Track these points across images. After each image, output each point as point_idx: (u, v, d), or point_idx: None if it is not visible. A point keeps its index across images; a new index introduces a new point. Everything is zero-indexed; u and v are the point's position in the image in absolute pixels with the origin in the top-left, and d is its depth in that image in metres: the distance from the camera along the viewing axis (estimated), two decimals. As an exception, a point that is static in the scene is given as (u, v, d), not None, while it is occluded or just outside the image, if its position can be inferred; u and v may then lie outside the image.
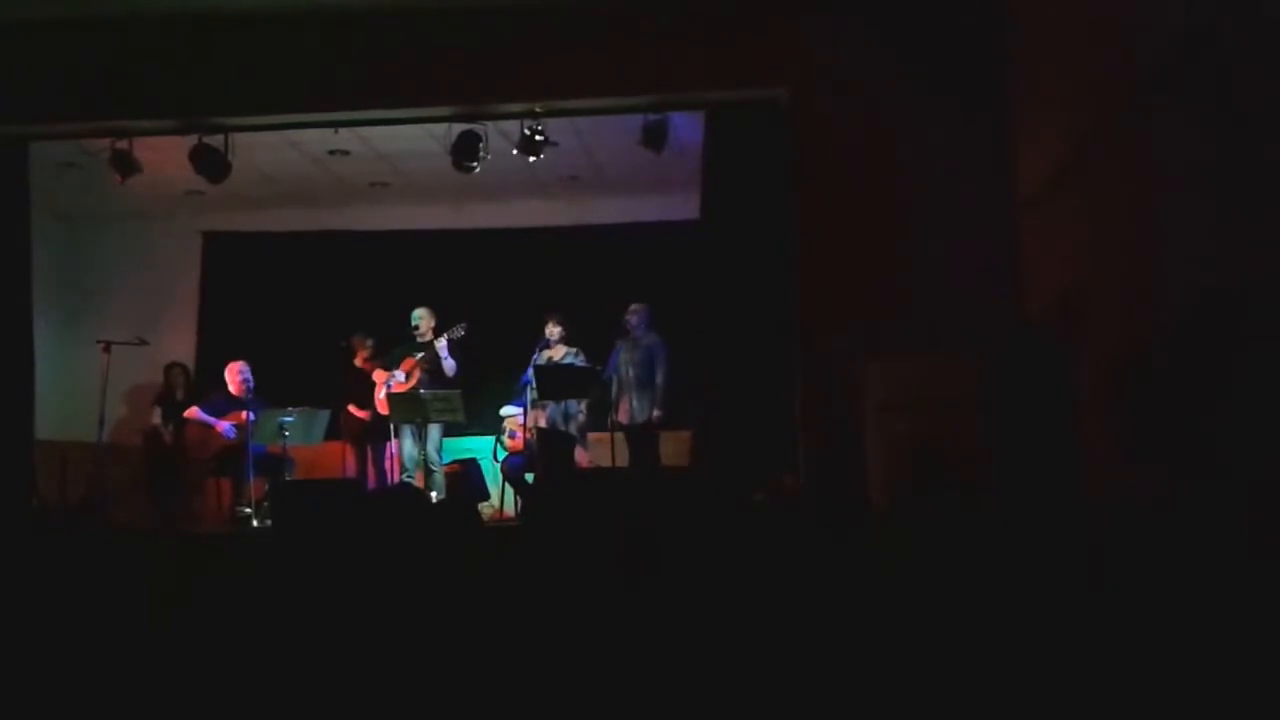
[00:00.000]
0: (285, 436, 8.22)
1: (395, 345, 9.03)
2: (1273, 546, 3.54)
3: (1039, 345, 5.98)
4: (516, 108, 7.77)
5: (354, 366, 9.21)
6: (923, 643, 3.52)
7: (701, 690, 3.36)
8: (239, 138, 8.15)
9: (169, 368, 9.56)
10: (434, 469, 8.75)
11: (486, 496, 9.05)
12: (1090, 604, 3.78)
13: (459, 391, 8.45)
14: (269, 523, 7.62)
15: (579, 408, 8.74)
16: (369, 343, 9.21)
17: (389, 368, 8.88)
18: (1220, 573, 3.77)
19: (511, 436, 9.02)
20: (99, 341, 8.60)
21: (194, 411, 8.69)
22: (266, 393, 8.71)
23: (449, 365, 8.62)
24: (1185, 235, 4.52)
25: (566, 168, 9.64)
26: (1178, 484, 4.45)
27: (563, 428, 8.67)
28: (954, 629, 3.61)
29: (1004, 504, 5.12)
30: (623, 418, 8.62)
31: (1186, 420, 4.41)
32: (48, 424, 8.62)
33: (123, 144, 8.01)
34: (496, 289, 10.19)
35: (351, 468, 9.08)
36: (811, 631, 3.72)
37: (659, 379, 8.57)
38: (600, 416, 8.77)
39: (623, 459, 8.60)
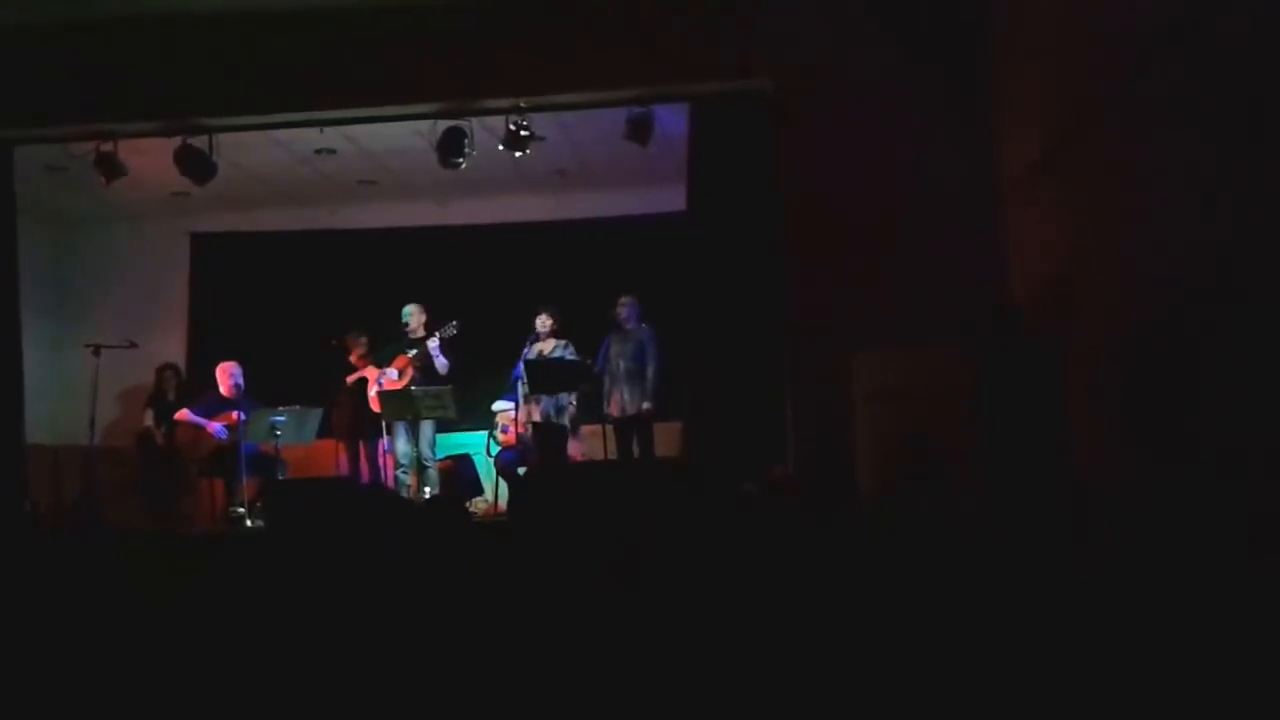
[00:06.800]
0: (277, 436, 8.23)
1: (385, 343, 9.04)
2: (1267, 537, 3.57)
3: (1027, 334, 6.01)
4: (501, 103, 7.77)
5: (348, 364, 9.21)
6: (913, 633, 3.55)
7: (694, 684, 3.38)
8: (225, 138, 8.15)
9: (161, 369, 9.56)
10: (427, 465, 8.77)
11: (481, 491, 9.08)
12: (1080, 592, 3.81)
13: (450, 388, 8.47)
14: (262, 522, 7.64)
15: (570, 400, 8.76)
16: (363, 340, 9.21)
17: (380, 365, 8.89)
18: (1211, 561, 3.80)
19: (504, 431, 9.04)
20: (88, 344, 8.59)
21: (184, 414, 8.70)
22: (258, 393, 8.72)
23: (441, 364, 8.63)
24: (1170, 224, 4.55)
25: (553, 162, 9.65)
26: (1167, 472, 4.48)
27: (556, 421, 8.70)
28: (944, 619, 3.64)
29: (994, 493, 5.14)
30: (614, 410, 8.63)
31: (1175, 408, 4.44)
32: (38, 427, 8.63)
33: (108, 146, 7.99)
34: (485, 284, 10.21)
35: (344, 466, 9.10)
36: (802, 623, 3.75)
37: (650, 371, 8.58)
38: (592, 409, 8.79)
39: (615, 452, 8.63)
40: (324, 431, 8.79)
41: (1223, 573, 3.64)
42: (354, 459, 9.07)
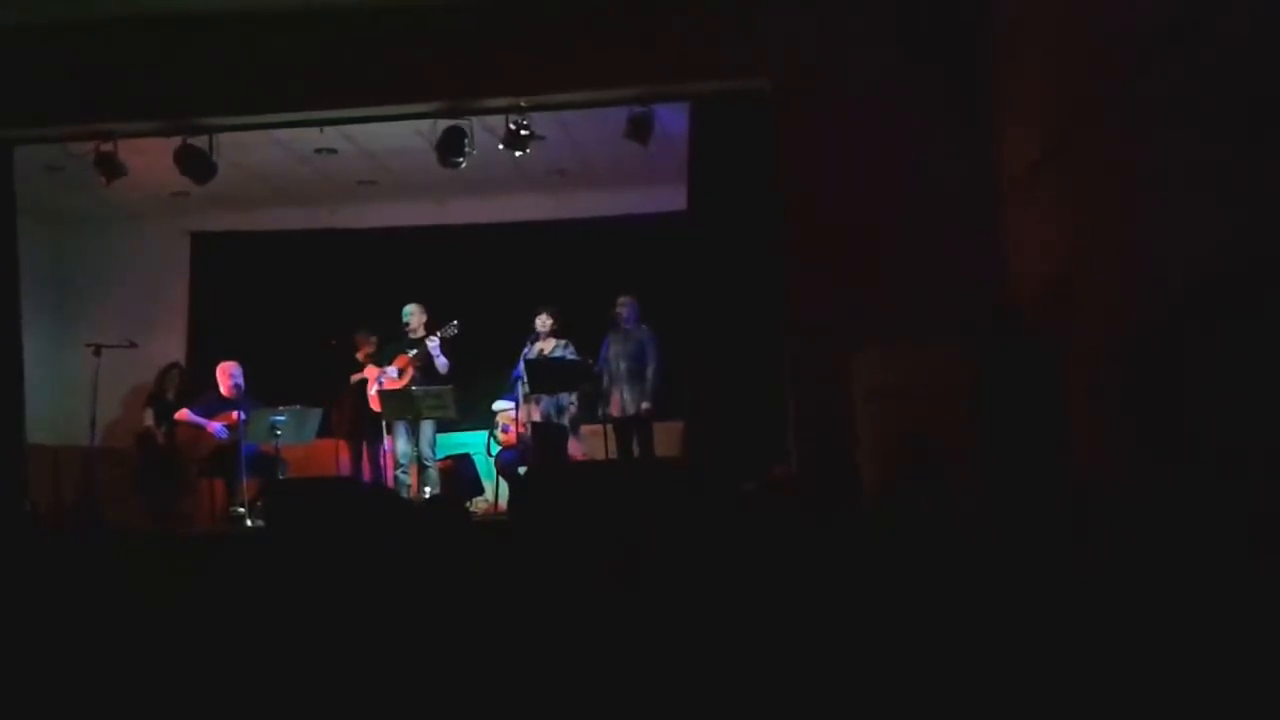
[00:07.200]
0: (277, 436, 8.22)
1: (386, 342, 9.05)
2: (1267, 537, 3.56)
3: (1028, 332, 6.01)
4: (501, 103, 7.76)
5: (354, 363, 9.19)
6: (913, 633, 3.55)
7: (694, 684, 3.38)
8: (225, 138, 8.14)
9: (167, 368, 9.57)
10: (428, 465, 8.77)
11: (481, 491, 9.07)
12: (1080, 592, 3.81)
13: (450, 388, 8.47)
14: (262, 522, 7.64)
15: (570, 400, 8.77)
16: (373, 340, 9.21)
17: (381, 364, 8.89)
18: (1211, 561, 3.80)
19: (505, 431, 9.03)
20: (89, 344, 8.59)
21: (184, 414, 8.70)
22: (258, 393, 8.72)
23: (441, 363, 8.63)
24: (1170, 224, 4.54)
25: (553, 162, 9.64)
26: (1167, 472, 4.48)
27: (556, 421, 8.70)
28: (944, 619, 3.64)
29: (994, 493, 5.15)
30: (614, 410, 8.64)
31: (1175, 408, 4.44)
32: (39, 427, 8.62)
33: (108, 146, 7.99)
34: (485, 284, 10.21)
35: (348, 464, 9.09)
36: (802, 622, 3.75)
37: (650, 371, 8.59)
38: (592, 409, 8.80)
39: (615, 452, 8.63)
40: (324, 431, 8.79)
41: (1223, 573, 3.64)
42: (356, 458, 9.07)
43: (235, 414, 8.39)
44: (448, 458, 9.11)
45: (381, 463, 8.91)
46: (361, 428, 8.91)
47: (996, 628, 3.55)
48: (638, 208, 10.33)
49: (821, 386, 6.69)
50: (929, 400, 5.58)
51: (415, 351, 8.73)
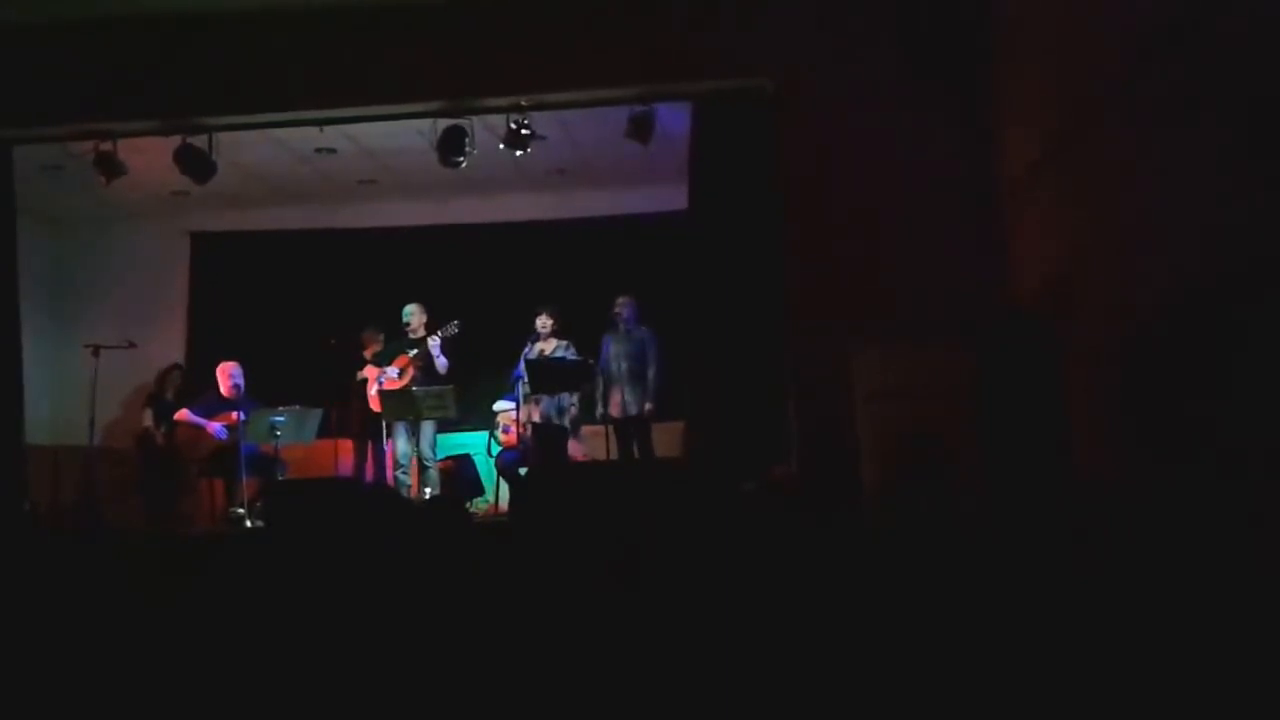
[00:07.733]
0: (277, 436, 8.21)
1: (386, 342, 9.04)
2: (1267, 537, 3.56)
3: (1028, 332, 6.01)
4: (502, 102, 7.77)
5: (363, 361, 9.17)
6: (913, 633, 3.55)
7: (694, 684, 3.38)
8: (225, 137, 8.15)
9: (169, 369, 9.56)
10: (428, 465, 8.75)
11: (481, 492, 9.06)
12: (1080, 592, 3.81)
13: (451, 388, 8.45)
14: (262, 522, 7.63)
15: (571, 401, 8.75)
16: (380, 338, 9.19)
17: (381, 364, 8.88)
18: (1211, 561, 3.80)
19: (505, 431, 9.02)
20: (88, 345, 8.58)
21: (184, 414, 8.69)
22: (258, 393, 8.71)
23: (441, 364, 8.61)
24: (1170, 224, 4.54)
25: (553, 161, 9.63)
26: (1167, 472, 4.48)
27: (557, 421, 8.69)
28: (944, 619, 3.64)
29: (995, 491, 5.15)
30: (614, 411, 8.62)
31: (1175, 408, 4.44)
32: (39, 428, 8.62)
33: (107, 146, 7.99)
34: (486, 283, 10.20)
35: (348, 465, 9.08)
36: (802, 622, 3.75)
37: (650, 371, 8.58)
38: (592, 410, 8.79)
39: (616, 452, 8.61)
40: (324, 431, 8.77)
41: (1223, 573, 3.64)
42: (361, 458, 9.06)
43: (235, 414, 8.37)
44: (448, 458, 9.10)
45: (387, 462, 8.89)
46: (369, 427, 8.90)
47: (996, 628, 3.55)
48: (638, 208, 10.32)
49: (821, 386, 6.69)
50: (929, 400, 5.59)
51: (416, 351, 8.72)
